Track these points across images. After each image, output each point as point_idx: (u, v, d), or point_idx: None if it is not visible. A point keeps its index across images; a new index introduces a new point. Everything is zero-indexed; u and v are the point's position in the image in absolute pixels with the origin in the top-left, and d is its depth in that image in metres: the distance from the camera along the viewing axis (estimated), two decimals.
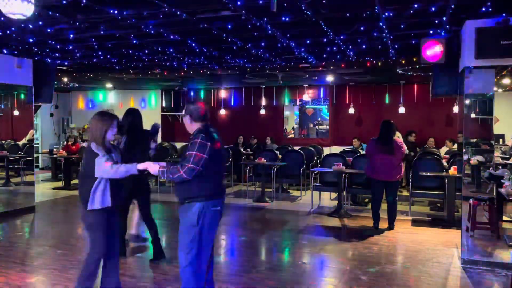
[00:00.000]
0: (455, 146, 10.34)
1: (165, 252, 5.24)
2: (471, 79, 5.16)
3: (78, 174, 11.32)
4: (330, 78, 11.39)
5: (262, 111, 13.25)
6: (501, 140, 11.01)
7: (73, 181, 11.25)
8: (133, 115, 5.15)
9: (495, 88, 6.64)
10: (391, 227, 6.82)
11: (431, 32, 5.95)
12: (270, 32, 6.12)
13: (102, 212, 3.59)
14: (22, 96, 9.20)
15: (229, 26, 5.94)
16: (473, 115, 5.45)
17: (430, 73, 6.70)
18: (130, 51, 7.88)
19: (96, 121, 3.70)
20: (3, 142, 10.66)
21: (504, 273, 4.84)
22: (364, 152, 9.80)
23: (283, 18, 5.47)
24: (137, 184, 4.97)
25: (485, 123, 5.52)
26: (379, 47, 7.12)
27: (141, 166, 3.50)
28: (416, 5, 4.92)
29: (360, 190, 8.36)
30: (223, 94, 14.25)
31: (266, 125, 13.44)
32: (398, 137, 8.67)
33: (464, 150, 5.51)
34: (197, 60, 8.73)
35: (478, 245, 5.75)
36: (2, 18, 5.21)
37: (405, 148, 6.96)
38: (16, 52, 7.81)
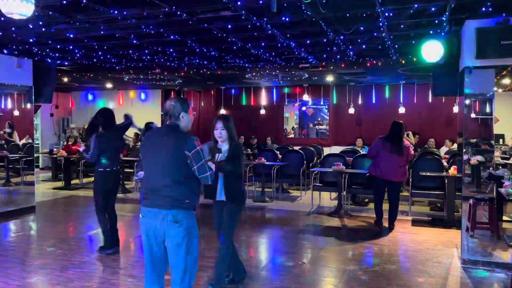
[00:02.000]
0: (455, 146, 10.35)
1: None
2: (471, 79, 5.16)
3: (78, 174, 11.32)
4: (330, 78, 11.39)
5: (262, 111, 13.25)
6: (501, 140, 11.02)
7: (73, 181, 11.26)
8: (104, 114, 5.48)
9: (495, 88, 6.64)
10: (391, 227, 6.82)
11: (431, 32, 5.95)
12: (270, 32, 6.12)
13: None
14: (22, 96, 9.20)
15: (229, 26, 5.94)
16: (473, 115, 5.45)
17: (430, 73, 6.71)
18: (130, 51, 7.88)
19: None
20: (3, 142, 10.65)
21: (504, 273, 4.84)
22: (364, 152, 9.82)
23: (283, 18, 5.47)
24: (115, 179, 5.54)
25: (485, 123, 5.52)
26: (379, 47, 7.12)
27: None
28: (416, 5, 4.92)
29: (360, 190, 8.37)
30: (223, 94, 14.25)
31: (266, 125, 13.44)
32: (409, 136, 8.84)
33: (464, 150, 5.51)
34: (197, 60, 8.73)
35: (478, 245, 5.75)
36: (2, 18, 5.20)
37: (412, 152, 7.05)
38: (16, 52, 7.81)
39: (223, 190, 4.13)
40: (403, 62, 8.50)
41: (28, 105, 8.60)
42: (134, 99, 14.92)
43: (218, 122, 4.07)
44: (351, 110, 12.59)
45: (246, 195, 4.30)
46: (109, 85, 13.47)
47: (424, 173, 7.46)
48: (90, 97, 15.62)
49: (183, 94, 14.57)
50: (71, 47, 7.50)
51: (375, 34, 6.22)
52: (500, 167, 7.10)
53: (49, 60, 8.59)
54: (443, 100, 11.62)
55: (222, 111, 14.08)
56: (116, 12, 5.22)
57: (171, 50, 7.66)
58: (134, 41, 6.89)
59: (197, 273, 3.27)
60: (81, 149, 5.63)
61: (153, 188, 3.10)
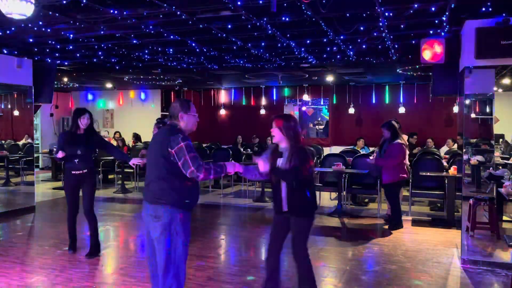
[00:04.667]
0: (455, 146, 10.36)
1: None
2: (471, 79, 5.16)
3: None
4: (330, 78, 11.39)
5: (262, 111, 13.25)
6: (501, 140, 11.01)
7: None
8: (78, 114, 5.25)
9: (495, 88, 6.64)
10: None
11: (431, 32, 5.95)
12: (270, 32, 6.12)
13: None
14: (22, 96, 9.21)
15: (229, 26, 5.94)
16: (473, 115, 5.45)
17: (430, 73, 6.71)
18: (130, 51, 7.88)
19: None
20: (3, 142, 10.66)
21: (504, 273, 4.84)
22: (364, 152, 9.83)
23: (283, 18, 5.47)
24: (88, 174, 5.26)
25: (485, 123, 5.52)
26: (379, 47, 7.12)
27: None
28: (416, 5, 4.92)
29: (360, 190, 8.36)
30: (223, 94, 14.25)
31: (266, 125, 13.36)
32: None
33: (464, 150, 5.51)
34: (197, 60, 8.73)
35: (478, 245, 5.75)
36: (2, 18, 5.20)
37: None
38: (16, 52, 7.81)
39: (286, 201, 3.65)
40: (403, 62, 8.49)
41: (28, 105, 8.60)
42: (134, 99, 14.92)
43: (273, 122, 3.76)
44: (351, 110, 12.58)
45: (315, 206, 3.72)
46: (109, 85, 13.46)
47: (424, 173, 7.46)
48: (90, 97, 15.62)
49: (183, 94, 14.57)
50: (71, 47, 7.50)
51: (375, 34, 6.22)
52: (500, 167, 7.10)
53: (49, 60, 8.59)
54: (443, 100, 11.62)
55: (222, 111, 14.08)
56: (116, 12, 5.23)
57: (171, 50, 7.66)
58: (134, 41, 6.89)
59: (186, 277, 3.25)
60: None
61: (146, 183, 3.31)
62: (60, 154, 5.15)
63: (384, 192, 7.11)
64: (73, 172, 5.26)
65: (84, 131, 5.26)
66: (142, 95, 14.81)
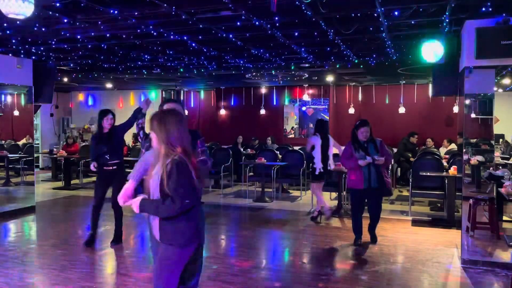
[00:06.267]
0: (452, 145, 10.37)
1: None
2: (471, 79, 5.16)
3: (78, 174, 11.30)
4: (330, 78, 11.38)
5: (262, 111, 13.25)
6: (501, 140, 11.01)
7: (73, 181, 11.25)
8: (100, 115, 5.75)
9: (495, 88, 6.64)
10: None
11: (431, 32, 5.95)
12: (270, 32, 6.12)
13: None
14: (22, 96, 9.21)
15: (229, 26, 5.94)
16: (473, 115, 5.45)
17: (430, 73, 6.70)
18: (130, 51, 7.88)
19: None
20: (3, 142, 10.66)
21: (504, 273, 4.84)
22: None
23: (283, 18, 5.47)
24: (118, 169, 5.74)
25: (485, 123, 5.52)
26: (379, 47, 7.12)
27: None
28: (416, 5, 4.92)
29: None
30: (223, 94, 14.25)
31: (266, 125, 13.43)
32: None
33: (464, 150, 5.51)
34: (197, 60, 8.73)
35: (478, 245, 5.75)
36: (2, 18, 5.20)
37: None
38: (16, 52, 7.81)
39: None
40: (403, 62, 8.49)
41: (28, 105, 8.60)
42: (134, 99, 14.91)
43: None
44: (351, 110, 12.58)
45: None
46: (109, 85, 13.46)
47: (424, 173, 7.46)
48: (90, 97, 15.62)
49: (183, 94, 14.58)
50: (71, 47, 7.50)
51: (375, 34, 6.22)
52: (500, 167, 7.10)
53: (49, 60, 8.58)
54: (443, 100, 11.62)
55: (222, 111, 14.06)
56: (116, 12, 5.22)
57: (171, 50, 7.66)
58: (134, 41, 6.89)
59: None
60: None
61: None
62: (92, 167, 5.76)
63: (380, 198, 6.13)
64: (105, 168, 5.69)
65: (109, 129, 5.70)
66: (142, 96, 14.80)
